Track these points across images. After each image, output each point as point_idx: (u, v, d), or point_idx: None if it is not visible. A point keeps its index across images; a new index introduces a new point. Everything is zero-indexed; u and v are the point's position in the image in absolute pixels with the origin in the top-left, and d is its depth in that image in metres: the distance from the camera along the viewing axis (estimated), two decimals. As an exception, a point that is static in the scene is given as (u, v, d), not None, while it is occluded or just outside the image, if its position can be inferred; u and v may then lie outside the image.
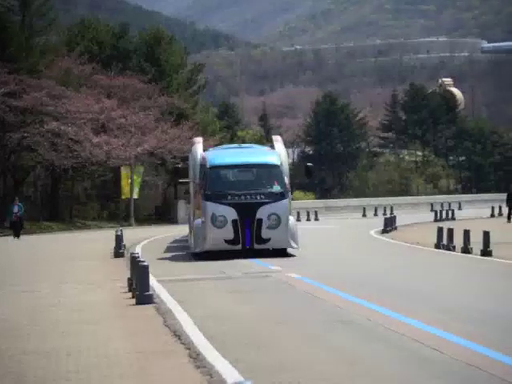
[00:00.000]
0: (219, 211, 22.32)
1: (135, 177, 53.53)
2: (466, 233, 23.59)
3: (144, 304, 13.79)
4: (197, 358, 9.25)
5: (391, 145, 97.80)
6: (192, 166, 24.78)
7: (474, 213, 57.93)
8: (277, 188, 22.75)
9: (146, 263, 14.08)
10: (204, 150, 25.51)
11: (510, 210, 45.97)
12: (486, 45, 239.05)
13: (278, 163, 23.39)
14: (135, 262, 14.61)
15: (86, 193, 58.05)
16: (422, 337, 10.03)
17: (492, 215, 54.66)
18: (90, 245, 33.05)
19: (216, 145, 54.72)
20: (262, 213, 22.32)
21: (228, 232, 22.33)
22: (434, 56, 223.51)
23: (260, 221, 22.35)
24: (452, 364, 8.54)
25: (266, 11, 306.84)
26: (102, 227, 51.77)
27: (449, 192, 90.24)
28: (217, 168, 23.24)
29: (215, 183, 22.83)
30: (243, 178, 23.16)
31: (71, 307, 14.07)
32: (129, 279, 15.93)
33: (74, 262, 24.28)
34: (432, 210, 58.45)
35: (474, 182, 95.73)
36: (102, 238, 36.32)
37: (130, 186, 53.26)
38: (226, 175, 23.29)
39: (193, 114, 58.56)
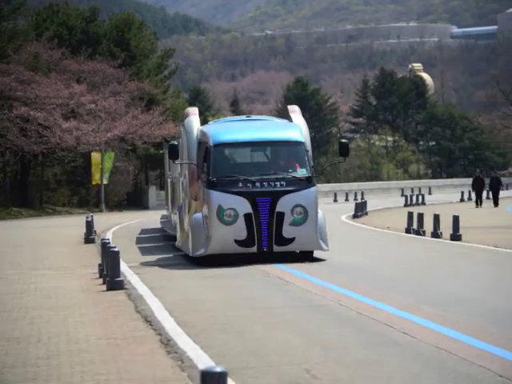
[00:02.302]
0: (228, 203, 16.89)
1: (106, 163, 53.27)
2: (436, 217, 23.73)
3: (115, 290, 13.74)
4: (168, 343, 9.23)
5: (362, 130, 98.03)
6: (185, 144, 18.75)
7: (444, 198, 58.32)
8: (302, 172, 17.45)
9: (116, 249, 14.01)
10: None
11: (476, 195, 46.34)
12: (455, 30, 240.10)
13: (303, 139, 17.86)
14: (106, 248, 14.54)
15: (56, 179, 57.67)
16: (392, 321, 10.07)
17: (462, 200, 55.05)
18: (60, 231, 32.86)
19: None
20: (284, 205, 16.98)
21: (239, 230, 16.89)
22: (404, 41, 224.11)
23: (281, 215, 16.98)
24: (422, 347, 8.59)
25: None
26: (72, 213, 51.50)
27: (419, 177, 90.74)
28: (223, 146, 17.70)
29: (222, 166, 17.39)
30: (258, 159, 18.33)
31: (41, 293, 13.98)
32: (99, 265, 15.86)
33: (44, 248, 24.12)
34: (402, 195, 58.76)
35: (444, 167, 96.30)
36: (72, 225, 36.12)
37: (101, 171, 53.02)
38: (236, 156, 18.16)
39: (163, 100, 58.29)
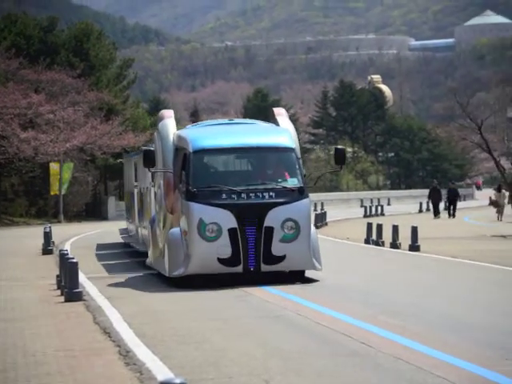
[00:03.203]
0: (210, 216, 15.03)
1: (65, 173, 52.88)
2: (395, 228, 23.89)
3: (73, 301, 13.62)
4: (127, 355, 9.17)
5: (321, 141, 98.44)
6: (160, 151, 16.68)
7: (403, 208, 58.73)
8: (293, 182, 15.65)
9: (74, 260, 13.90)
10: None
11: (434, 205, 46.78)
12: (413, 42, 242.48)
13: (293, 145, 16.08)
14: (64, 259, 14.42)
15: (14, 189, 57.08)
16: (350, 331, 10.10)
17: (420, 211, 55.48)
18: (17, 242, 32.53)
19: (147, 141, 54.41)
20: (274, 218, 15.13)
21: (223, 247, 15.00)
22: (363, 53, 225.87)
23: (270, 230, 15.10)
24: (379, 357, 8.63)
25: (196, 7, 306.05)
26: (30, 224, 51.02)
27: (378, 188, 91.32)
28: (204, 153, 15.88)
29: (203, 175, 15.60)
30: (244, 167, 16.50)
31: (-2, 305, 13.81)
32: (57, 276, 15.72)
33: (1, 259, 23.86)
34: (362, 206, 59.07)
35: (403, 178, 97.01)
36: (30, 235, 35.78)
37: (59, 182, 52.61)
38: (219, 164, 16.44)
39: (123, 110, 58.07)
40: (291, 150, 15.99)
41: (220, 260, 15.03)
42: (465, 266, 18.45)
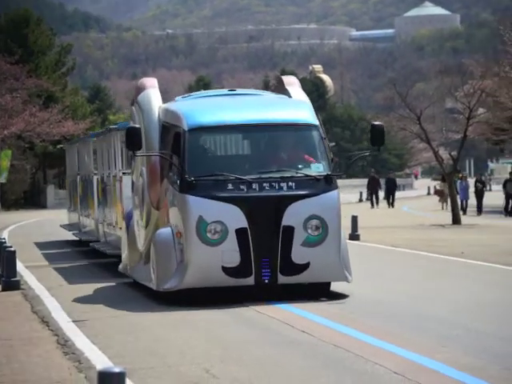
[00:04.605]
0: (212, 213, 11.66)
1: (3, 161, 52.09)
2: (335, 217, 24.00)
3: (11, 290, 13.45)
4: (65, 344, 9.08)
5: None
6: (142, 129, 12.88)
7: (343, 198, 59.02)
8: (318, 168, 12.29)
9: (12, 248, 13.73)
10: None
11: (372, 195, 47.25)
12: (354, 33, 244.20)
13: (316, 122, 12.67)
14: (1, 248, 14.22)
15: (-50, 177, 56.10)
16: (292, 320, 10.14)
17: (360, 200, 55.95)
18: (-46, 230, 31.97)
19: (87, 129, 53.85)
20: (294, 216, 11.74)
21: (229, 253, 11.61)
22: (304, 43, 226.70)
23: (290, 231, 11.70)
24: (320, 346, 8.68)
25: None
26: (-34, 212, 50.23)
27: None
28: (204, 131, 12.45)
29: (202, 161, 12.22)
30: (255, 150, 12.76)
31: None
32: (-5, 265, 15.48)
33: None
34: (302, 195, 59.22)
35: (344, 167, 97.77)
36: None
37: (-3, 170, 51.83)
38: (223, 145, 13.01)
39: (62, 97, 57.40)
40: (314, 127, 12.54)
41: (225, 269, 11.57)
42: (403, 255, 18.66)
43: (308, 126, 12.56)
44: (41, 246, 23.12)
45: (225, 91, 14.03)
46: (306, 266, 11.70)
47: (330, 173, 12.18)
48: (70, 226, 24.52)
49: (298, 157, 12.42)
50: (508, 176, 41.47)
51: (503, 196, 37.42)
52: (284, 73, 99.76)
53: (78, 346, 8.88)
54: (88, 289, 13.79)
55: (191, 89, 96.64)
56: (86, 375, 7.64)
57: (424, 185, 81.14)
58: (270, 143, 12.70)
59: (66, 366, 8.05)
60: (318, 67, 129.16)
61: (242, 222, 11.59)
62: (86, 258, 19.18)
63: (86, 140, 23.16)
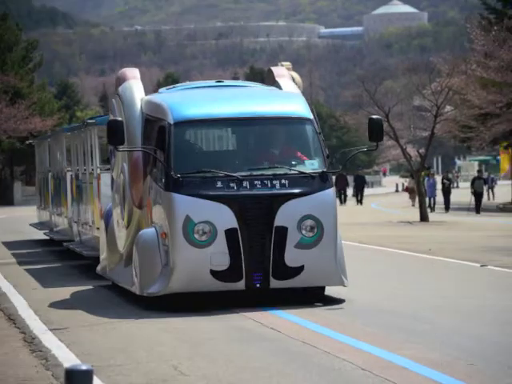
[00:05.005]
0: (200, 213, 11.01)
1: (-32, 157, 51.62)
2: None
3: (-23, 288, 13.34)
4: (32, 342, 9.03)
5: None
6: (124, 123, 12.21)
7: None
8: (312, 165, 11.60)
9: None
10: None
11: (339, 192, 47.46)
12: (323, 30, 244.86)
13: (310, 116, 11.91)
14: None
15: None
16: (260, 317, 10.15)
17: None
18: None
19: (55, 125, 53.43)
20: (287, 216, 11.10)
21: (218, 255, 10.94)
22: (273, 40, 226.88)
23: (283, 232, 11.06)
24: (289, 342, 8.71)
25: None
26: None
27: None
28: (191, 125, 11.79)
29: (189, 156, 11.58)
30: (246, 145, 12.10)
31: None
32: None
33: None
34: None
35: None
36: None
37: (-37, 166, 51.33)
38: (211, 140, 12.39)
39: (29, 93, 56.99)
40: (308, 120, 11.79)
41: (214, 273, 10.89)
42: (373, 252, 18.75)
43: (301, 120, 11.82)
44: (9, 243, 22.86)
45: (212, 82, 13.19)
46: (300, 269, 11.03)
47: (325, 170, 11.45)
48: (40, 225, 23.78)
49: (291, 153, 11.77)
50: (476, 174, 41.84)
51: (470, 194, 37.73)
52: (253, 70, 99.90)
53: (44, 344, 8.83)
54: (56, 287, 13.69)
55: (160, 85, 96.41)
56: (53, 373, 7.60)
57: (392, 182, 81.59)
58: (261, 138, 11.99)
59: (32, 364, 8.01)
60: (286, 64, 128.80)
61: (232, 223, 10.92)
62: (57, 256, 19.06)
63: (58, 135, 21.98)
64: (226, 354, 8.24)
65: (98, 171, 16.23)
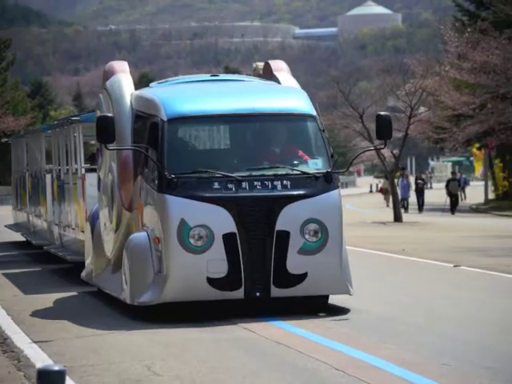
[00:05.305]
0: (196, 216, 10.22)
1: None
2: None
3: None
4: (4, 342, 8.98)
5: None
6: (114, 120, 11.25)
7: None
8: (316, 164, 10.80)
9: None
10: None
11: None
12: (297, 31, 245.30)
13: (313, 112, 11.14)
14: None
15: None
16: (234, 318, 10.14)
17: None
18: None
19: (28, 125, 53.09)
20: (289, 219, 10.33)
21: (216, 262, 10.16)
22: (248, 40, 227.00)
23: (285, 237, 10.30)
24: (263, 342, 8.71)
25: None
26: None
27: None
28: (186, 122, 10.96)
29: (184, 155, 10.79)
30: (245, 144, 11.18)
31: None
32: None
33: None
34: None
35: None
36: None
37: None
38: (208, 138, 11.52)
39: (2, 92, 56.66)
40: (311, 117, 10.99)
41: (211, 281, 10.11)
42: (349, 253, 18.75)
43: (304, 117, 10.98)
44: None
45: (207, 76, 12.36)
46: (303, 276, 10.25)
47: (329, 170, 10.59)
48: (16, 226, 22.91)
49: (293, 152, 10.89)
50: (450, 176, 42.08)
51: (445, 195, 37.96)
52: (228, 70, 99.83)
53: (17, 344, 8.78)
54: (29, 286, 13.61)
55: (135, 85, 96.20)
56: (26, 373, 7.55)
57: (367, 182, 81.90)
58: (261, 136, 11.15)
59: (4, 365, 7.96)
60: (261, 65, 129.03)
61: (230, 227, 10.11)
62: (35, 260, 18.92)
63: (37, 133, 20.85)
64: (199, 354, 8.23)
65: (83, 171, 15.32)
